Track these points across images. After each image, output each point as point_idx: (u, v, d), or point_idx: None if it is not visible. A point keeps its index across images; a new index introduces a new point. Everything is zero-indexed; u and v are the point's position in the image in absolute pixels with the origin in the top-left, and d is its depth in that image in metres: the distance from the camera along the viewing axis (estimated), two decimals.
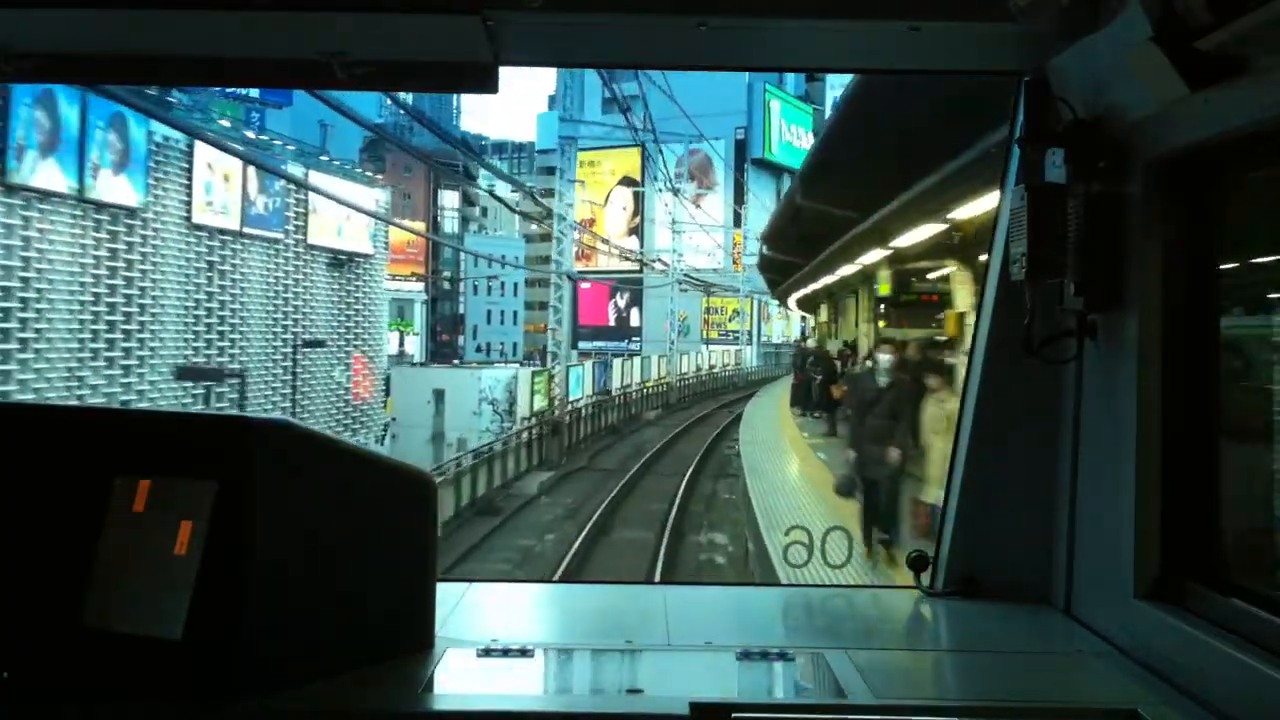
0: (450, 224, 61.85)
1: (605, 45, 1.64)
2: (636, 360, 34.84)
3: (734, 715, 1.22)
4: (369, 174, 25.74)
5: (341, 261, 21.86)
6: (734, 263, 53.26)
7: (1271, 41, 1.09)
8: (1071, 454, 1.64)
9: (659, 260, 41.54)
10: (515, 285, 63.87)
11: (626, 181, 54.88)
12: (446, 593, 1.57)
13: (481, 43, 1.46)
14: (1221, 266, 1.42)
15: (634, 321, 55.65)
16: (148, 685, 1.24)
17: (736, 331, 54.35)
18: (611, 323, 57.21)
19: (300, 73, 1.60)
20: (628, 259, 51.06)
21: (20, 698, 1.25)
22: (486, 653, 1.45)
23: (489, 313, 63.09)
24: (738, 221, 52.77)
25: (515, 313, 65.07)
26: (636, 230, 55.58)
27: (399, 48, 1.54)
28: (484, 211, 69.20)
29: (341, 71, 1.52)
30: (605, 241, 44.05)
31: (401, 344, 51.58)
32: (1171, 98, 1.26)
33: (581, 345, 57.58)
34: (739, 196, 51.22)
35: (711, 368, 44.27)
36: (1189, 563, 1.40)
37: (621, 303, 56.95)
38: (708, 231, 46.93)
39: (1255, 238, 1.52)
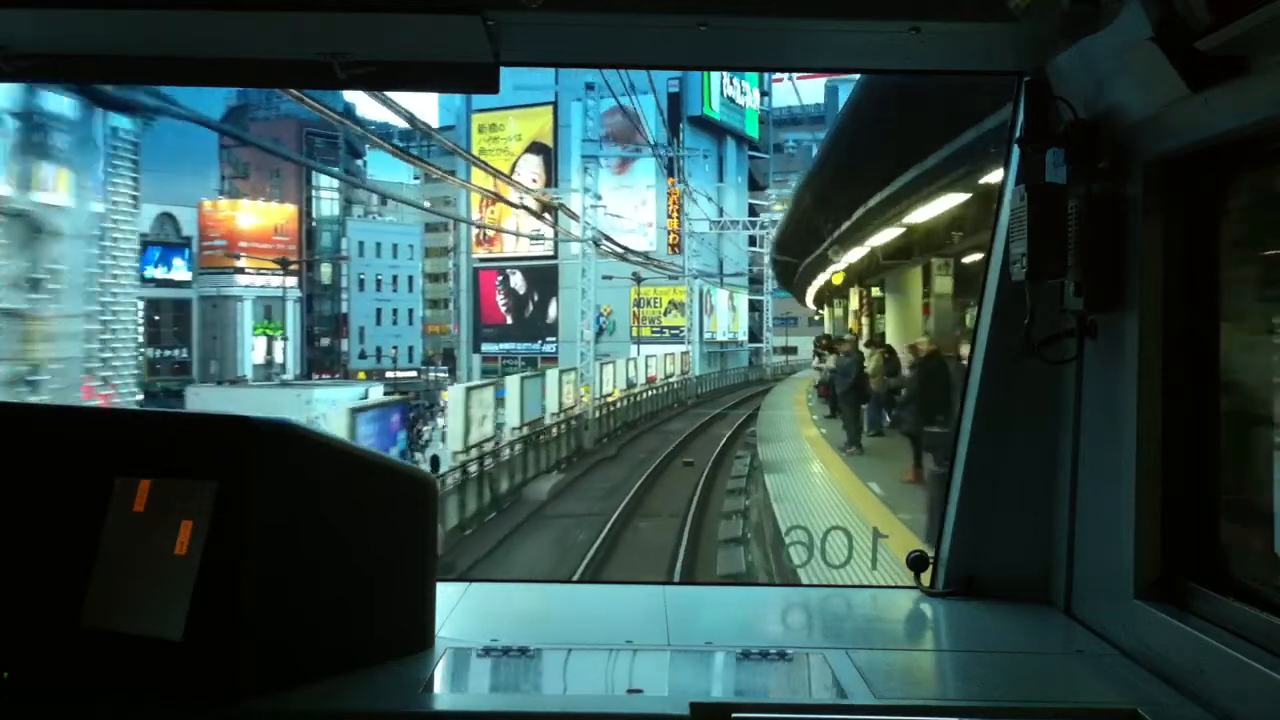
0: (329, 207, 52.96)
1: (605, 45, 1.64)
2: (528, 385, 18.81)
3: (734, 715, 1.22)
4: None
5: None
6: (670, 244, 42.91)
7: (1271, 41, 1.10)
8: (1072, 454, 1.65)
9: (595, 232, 27.43)
10: (410, 279, 54.86)
11: (535, 148, 46.55)
12: (446, 593, 1.57)
13: (481, 43, 1.46)
14: (1221, 266, 1.42)
15: (549, 316, 46.86)
16: (148, 685, 1.24)
17: (675, 328, 43.22)
18: (508, 320, 49.19)
19: (300, 73, 1.60)
20: (539, 241, 42.00)
21: (20, 698, 1.25)
22: (486, 653, 1.45)
23: (379, 311, 52.88)
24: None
25: (411, 311, 55.00)
26: (550, 209, 46.37)
27: (399, 48, 1.54)
28: (383, 200, 59.22)
29: (341, 71, 1.51)
30: (520, 201, 30.84)
31: (270, 351, 45.01)
32: (1171, 98, 1.27)
33: (486, 349, 49.12)
34: (673, 170, 40.87)
35: (650, 381, 29.93)
36: (1189, 563, 1.41)
37: (524, 291, 48.33)
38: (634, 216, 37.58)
39: (1256, 237, 1.51)
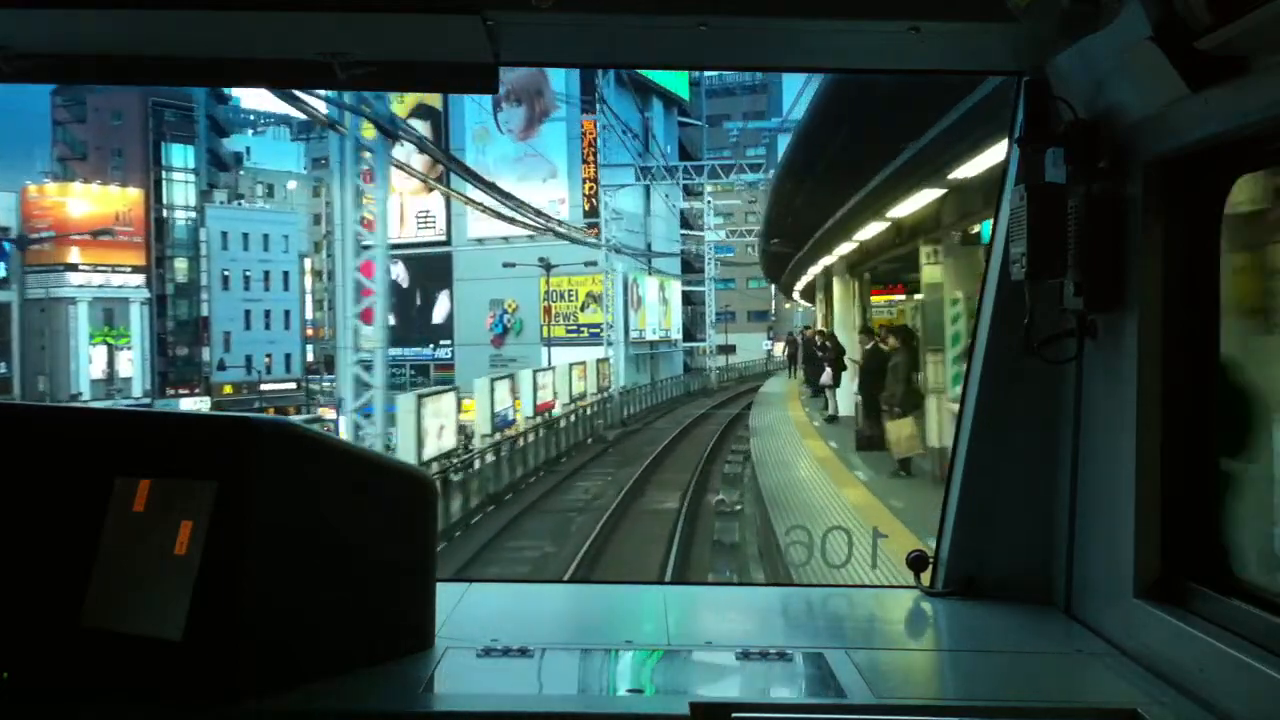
0: (183, 192, 43.27)
1: (605, 45, 1.63)
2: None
3: (734, 715, 1.23)
4: None
5: None
6: (585, 205, 34.68)
7: (1271, 41, 1.11)
8: (1072, 454, 1.65)
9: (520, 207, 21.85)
10: (286, 274, 45.86)
11: (422, 112, 36.56)
12: (446, 593, 1.57)
13: (481, 43, 1.46)
14: (1221, 266, 1.43)
15: (438, 317, 39.05)
16: (148, 685, 1.24)
17: (595, 326, 34.35)
18: (392, 321, 42.09)
19: (300, 73, 1.60)
20: (427, 225, 36.66)
21: (20, 698, 1.26)
22: (486, 653, 1.46)
23: (248, 314, 44.30)
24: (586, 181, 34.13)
25: (288, 313, 46.13)
26: (441, 179, 34.17)
27: (399, 48, 1.54)
28: (269, 190, 51.31)
29: (341, 71, 1.52)
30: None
31: (112, 363, 37.55)
32: (1171, 98, 1.28)
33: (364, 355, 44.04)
34: (588, 142, 34.49)
35: (542, 412, 19.09)
36: (1189, 563, 1.42)
37: (409, 286, 38.65)
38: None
39: (1255, 237, 1.56)
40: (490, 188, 20.34)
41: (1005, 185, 1.74)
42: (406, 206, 37.46)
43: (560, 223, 28.56)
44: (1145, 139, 1.43)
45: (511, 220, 23.63)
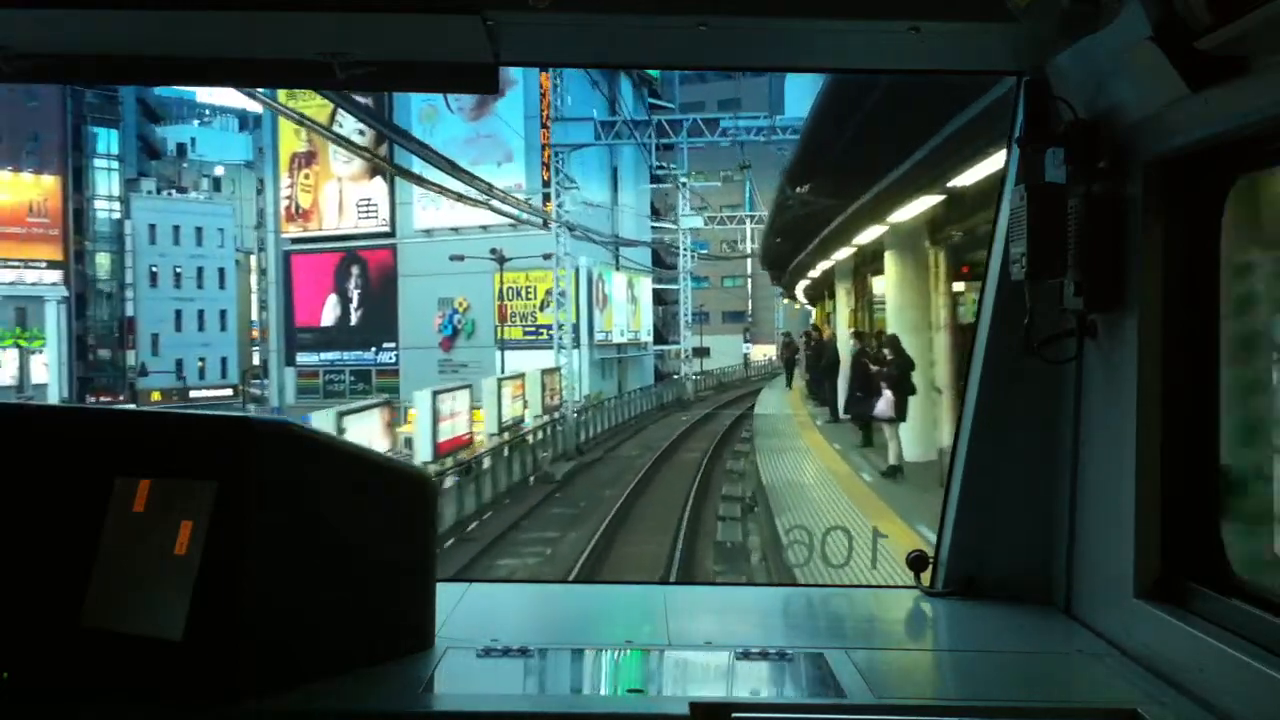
0: (105, 181, 39.14)
1: (605, 45, 1.64)
2: None
3: (734, 715, 1.23)
4: None
5: None
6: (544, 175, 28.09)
7: (1271, 41, 1.11)
8: (1072, 454, 1.65)
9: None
10: (221, 271, 41.96)
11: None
12: (446, 593, 1.58)
13: (481, 43, 1.46)
14: (1221, 266, 1.43)
15: (389, 315, 34.65)
16: (148, 685, 1.25)
17: (553, 326, 27.79)
18: (331, 322, 35.01)
19: (300, 73, 1.61)
20: (369, 215, 33.07)
21: (20, 698, 1.26)
22: (486, 653, 1.46)
23: (179, 314, 40.72)
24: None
25: (224, 312, 42.23)
26: (381, 169, 31.20)
27: (399, 48, 1.55)
28: (216, 183, 46.03)
29: (341, 71, 1.52)
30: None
31: (23, 369, 33.84)
32: (1171, 98, 1.28)
33: (302, 360, 35.87)
34: (545, 101, 30.27)
35: (459, 447, 14.47)
36: (1189, 563, 1.42)
37: (353, 282, 35.35)
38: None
39: (1255, 237, 1.54)
40: (439, 159, 15.58)
41: (1005, 185, 1.74)
42: (346, 194, 34.59)
43: (506, 194, 21.79)
44: (1145, 139, 1.43)
45: (459, 196, 18.36)
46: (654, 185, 38.56)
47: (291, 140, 33.91)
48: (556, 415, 21.10)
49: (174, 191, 43.55)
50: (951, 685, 1.55)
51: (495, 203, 19.47)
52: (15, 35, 1.50)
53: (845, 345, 14.78)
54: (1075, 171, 1.54)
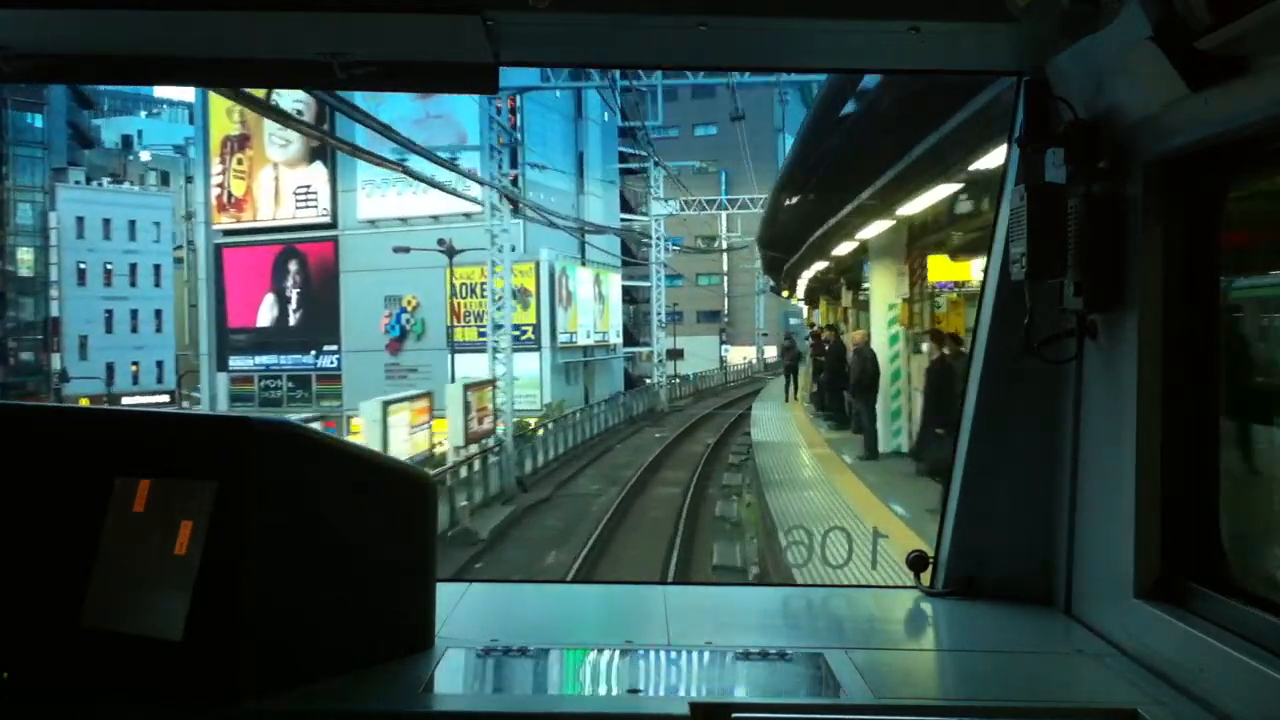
0: (30, 170, 35.95)
1: (605, 45, 1.64)
2: None
3: (734, 715, 1.24)
4: None
5: None
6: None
7: (1271, 41, 1.11)
8: (1072, 454, 1.66)
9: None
10: (157, 268, 38.95)
11: None
12: (446, 593, 1.58)
13: (481, 43, 1.47)
14: (1221, 266, 1.44)
15: (330, 314, 30.87)
16: (148, 685, 1.25)
17: (519, 327, 25.47)
18: (267, 322, 31.08)
19: (300, 73, 1.62)
20: (308, 204, 29.41)
21: (20, 698, 1.26)
22: (486, 653, 1.47)
23: (110, 314, 37.84)
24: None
25: (159, 313, 39.18)
26: (320, 154, 28.94)
27: (399, 48, 1.55)
28: (164, 177, 42.19)
29: (341, 71, 1.52)
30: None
31: None
32: (1171, 98, 1.28)
33: (235, 364, 31.87)
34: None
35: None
36: (1189, 563, 1.42)
37: (290, 279, 31.32)
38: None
39: (1255, 237, 1.57)
40: (384, 130, 13.06)
41: (1005, 185, 1.74)
42: (283, 181, 30.79)
43: (453, 161, 18.98)
44: (1145, 139, 1.44)
45: (403, 167, 15.60)
46: (622, 166, 35.26)
47: (224, 122, 30.33)
48: (492, 442, 16.10)
49: (106, 181, 40.25)
50: (952, 685, 1.55)
51: (443, 177, 16.89)
52: (15, 35, 1.50)
53: (884, 351, 11.56)
54: (1075, 171, 1.54)
